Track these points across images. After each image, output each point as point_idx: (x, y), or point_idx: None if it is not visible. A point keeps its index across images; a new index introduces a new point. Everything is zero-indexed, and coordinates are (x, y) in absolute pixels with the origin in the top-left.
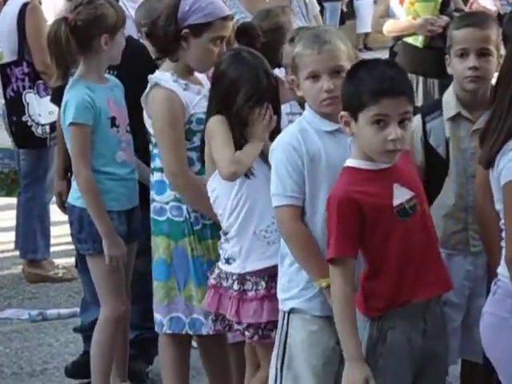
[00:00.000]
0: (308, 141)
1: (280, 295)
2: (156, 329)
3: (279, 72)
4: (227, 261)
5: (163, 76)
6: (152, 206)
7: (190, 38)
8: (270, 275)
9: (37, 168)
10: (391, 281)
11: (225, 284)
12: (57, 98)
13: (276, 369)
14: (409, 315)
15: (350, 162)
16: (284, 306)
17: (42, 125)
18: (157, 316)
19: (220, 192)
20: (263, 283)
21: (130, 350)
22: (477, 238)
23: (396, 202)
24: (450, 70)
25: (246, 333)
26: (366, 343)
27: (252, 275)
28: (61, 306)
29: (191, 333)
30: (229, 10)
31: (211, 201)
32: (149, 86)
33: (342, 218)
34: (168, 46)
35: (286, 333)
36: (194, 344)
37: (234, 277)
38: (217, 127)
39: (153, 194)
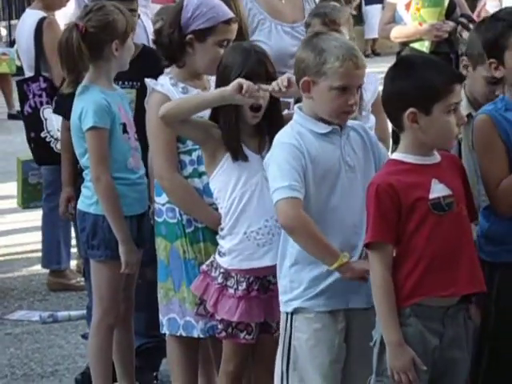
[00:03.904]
0: (307, 142)
1: (282, 297)
2: (160, 329)
3: None
4: (219, 253)
5: (161, 80)
6: (153, 207)
7: (195, 44)
8: (256, 276)
9: (59, 177)
10: (415, 274)
11: (213, 274)
12: (60, 107)
13: (282, 371)
14: (423, 315)
15: (395, 155)
16: (287, 307)
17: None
18: (160, 316)
19: (218, 193)
20: (244, 284)
21: (135, 359)
22: None
23: (432, 195)
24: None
25: (219, 326)
26: (378, 334)
27: (237, 273)
28: (71, 308)
29: (184, 334)
30: (231, 13)
31: (215, 201)
32: (148, 91)
33: (380, 204)
34: (174, 53)
35: (290, 334)
36: None
37: (221, 270)
38: None
39: (154, 196)
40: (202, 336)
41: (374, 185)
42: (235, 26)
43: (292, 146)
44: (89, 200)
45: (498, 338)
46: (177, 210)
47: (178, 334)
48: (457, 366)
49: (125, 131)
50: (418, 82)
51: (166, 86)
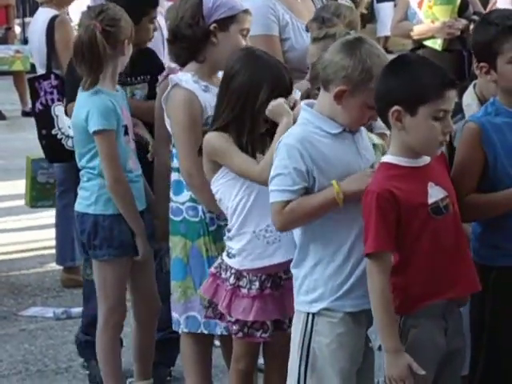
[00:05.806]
0: (315, 142)
1: (304, 297)
2: (173, 327)
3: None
4: (228, 254)
5: (184, 76)
6: (170, 206)
7: (218, 33)
8: (268, 274)
9: (71, 174)
10: (420, 279)
11: (223, 275)
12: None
13: (299, 372)
14: (432, 315)
15: (387, 158)
16: (310, 308)
17: (72, 137)
18: (174, 315)
19: (222, 194)
20: (257, 283)
21: None
22: None
23: (431, 200)
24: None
25: (234, 327)
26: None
27: (249, 272)
28: None
29: (206, 332)
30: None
31: (217, 202)
32: (169, 86)
33: (381, 213)
34: (197, 45)
35: (310, 336)
36: (217, 343)
37: (232, 271)
38: (223, 146)
39: (170, 194)
40: (225, 333)
41: (373, 193)
42: (251, 18)
43: (296, 149)
44: (86, 201)
45: (494, 347)
46: (199, 208)
47: (199, 332)
48: (457, 354)
49: (126, 133)
50: (407, 80)
51: (189, 83)
